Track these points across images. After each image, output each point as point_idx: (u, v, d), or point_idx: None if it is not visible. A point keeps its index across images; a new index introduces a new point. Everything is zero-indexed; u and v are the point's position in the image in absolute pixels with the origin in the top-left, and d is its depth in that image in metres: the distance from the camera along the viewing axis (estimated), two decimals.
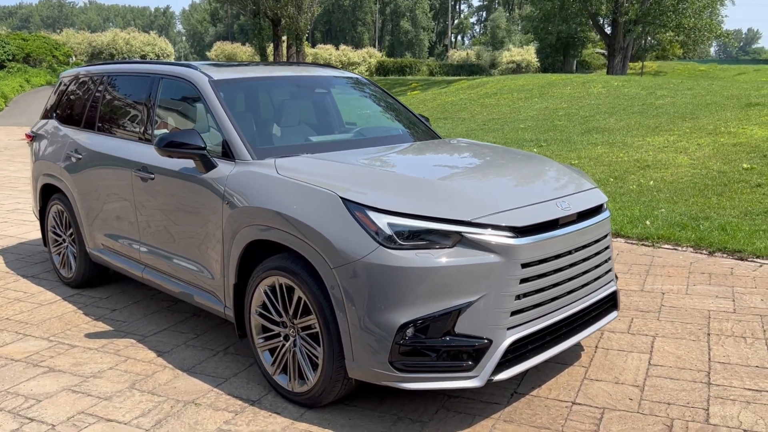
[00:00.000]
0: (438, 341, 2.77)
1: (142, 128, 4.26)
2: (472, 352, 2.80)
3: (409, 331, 2.76)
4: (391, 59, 54.94)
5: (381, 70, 49.59)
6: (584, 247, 3.18)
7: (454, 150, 4.09)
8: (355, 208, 2.83)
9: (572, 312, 3.15)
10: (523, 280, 2.87)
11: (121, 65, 4.93)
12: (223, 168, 3.48)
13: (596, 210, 3.35)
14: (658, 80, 20.24)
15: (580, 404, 3.17)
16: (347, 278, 2.80)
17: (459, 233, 2.79)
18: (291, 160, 3.39)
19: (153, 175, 3.93)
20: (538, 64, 48.92)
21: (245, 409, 3.19)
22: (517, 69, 49.40)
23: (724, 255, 5.49)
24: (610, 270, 3.46)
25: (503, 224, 2.84)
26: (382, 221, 2.78)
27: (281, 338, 3.24)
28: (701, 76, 35.10)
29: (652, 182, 8.25)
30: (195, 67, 4.02)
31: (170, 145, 3.46)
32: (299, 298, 3.06)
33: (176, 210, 3.79)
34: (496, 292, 2.81)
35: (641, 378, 3.42)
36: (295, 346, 3.17)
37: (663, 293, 4.69)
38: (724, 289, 4.69)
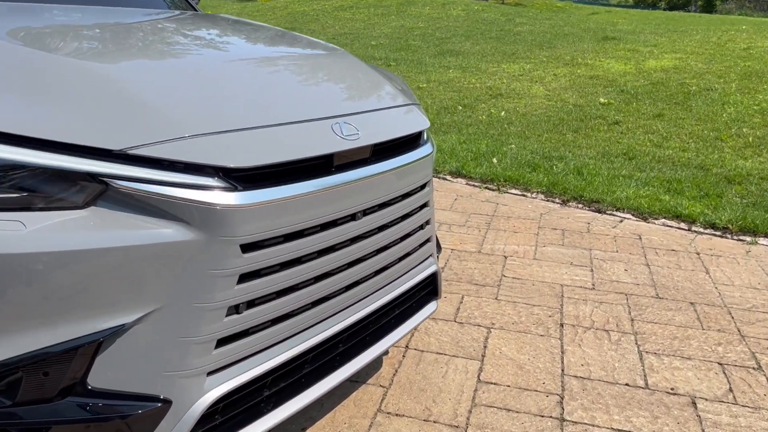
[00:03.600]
0: (41, 410, 1.28)
1: None
2: (126, 427, 1.35)
3: None
4: None
5: None
6: (383, 206, 1.79)
7: (189, 26, 2.39)
8: None
9: (356, 318, 1.79)
10: (246, 277, 1.43)
11: None
12: None
13: (409, 143, 1.96)
14: (517, 9, 19.50)
15: None
16: None
17: (99, 177, 1.27)
18: None
19: None
20: None
21: None
22: None
23: (580, 205, 4.47)
24: (428, 241, 2.14)
25: (203, 161, 1.35)
26: None
27: None
28: (559, 11, 35.41)
29: (503, 113, 7.18)
30: None
31: None
32: None
33: None
34: (184, 303, 1.35)
35: (464, 409, 2.19)
36: None
37: (506, 257, 3.53)
38: (579, 253, 3.62)
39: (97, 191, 1.28)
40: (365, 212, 1.73)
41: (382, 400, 2.21)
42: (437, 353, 2.53)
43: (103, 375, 1.32)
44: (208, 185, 1.35)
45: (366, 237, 1.75)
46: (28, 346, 1.23)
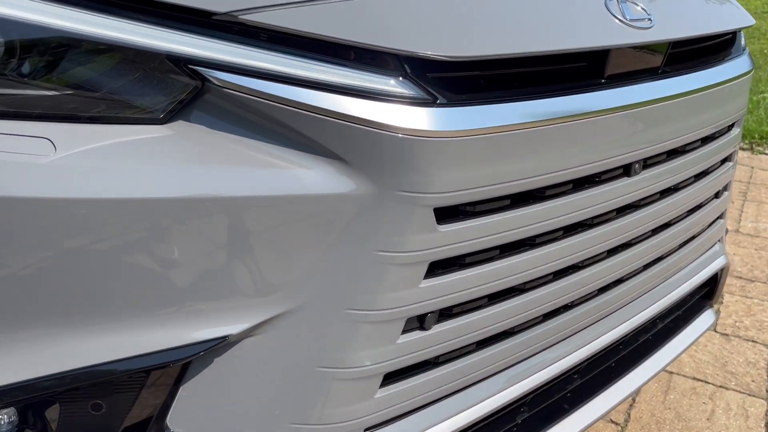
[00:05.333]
0: None
1: None
2: None
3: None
4: None
5: None
6: (673, 154, 1.04)
7: None
8: None
9: (611, 338, 1.09)
10: (440, 267, 0.78)
11: None
12: None
13: (720, 49, 1.17)
14: None
15: None
16: None
17: (188, 66, 0.67)
18: None
19: None
20: None
21: None
22: None
23: None
24: (721, 216, 1.34)
25: (378, 42, 0.70)
26: None
27: None
28: None
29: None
30: None
31: None
32: None
33: None
34: (329, 308, 0.74)
35: None
36: None
37: None
38: None
39: (185, 93, 0.69)
40: (645, 163, 0.99)
41: None
42: (694, 379, 1.74)
43: (190, 418, 0.76)
44: (384, 92, 0.71)
45: (641, 205, 1.02)
46: (63, 360, 0.70)
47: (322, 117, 0.69)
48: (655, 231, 1.09)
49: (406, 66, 0.72)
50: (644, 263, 1.10)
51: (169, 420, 0.76)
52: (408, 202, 0.72)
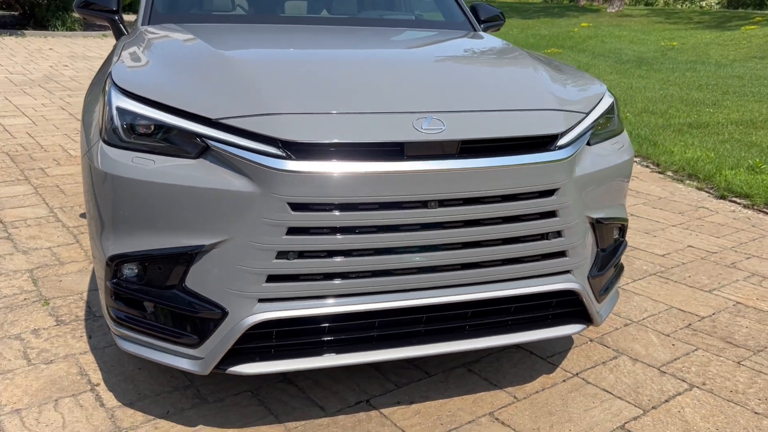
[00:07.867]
0: (155, 293, 1.88)
1: None
2: (197, 322, 1.85)
3: (128, 270, 1.91)
4: None
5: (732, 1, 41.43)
6: (470, 202, 1.84)
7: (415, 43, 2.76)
8: (111, 83, 2.02)
9: (427, 302, 1.90)
10: (295, 231, 1.76)
11: None
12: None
13: (531, 145, 1.91)
14: None
15: None
16: (83, 175, 2.11)
17: (202, 138, 1.79)
18: (167, 26, 2.69)
19: None
20: None
21: None
22: None
23: None
24: (560, 254, 2.01)
25: (269, 133, 1.75)
26: (115, 104, 1.93)
27: None
28: None
29: None
30: None
31: (81, 5, 3.04)
32: None
33: None
34: (244, 240, 1.77)
35: None
36: None
37: None
38: None
39: (202, 148, 1.80)
40: (442, 203, 1.82)
41: (502, 407, 2.17)
42: (603, 390, 2.28)
43: (194, 280, 1.84)
44: (269, 152, 1.73)
45: (443, 227, 1.84)
46: (149, 246, 1.84)
47: (247, 162, 1.74)
48: (466, 246, 1.87)
49: (280, 143, 1.73)
50: (459, 263, 1.88)
51: (186, 281, 1.84)
52: (275, 198, 1.72)
